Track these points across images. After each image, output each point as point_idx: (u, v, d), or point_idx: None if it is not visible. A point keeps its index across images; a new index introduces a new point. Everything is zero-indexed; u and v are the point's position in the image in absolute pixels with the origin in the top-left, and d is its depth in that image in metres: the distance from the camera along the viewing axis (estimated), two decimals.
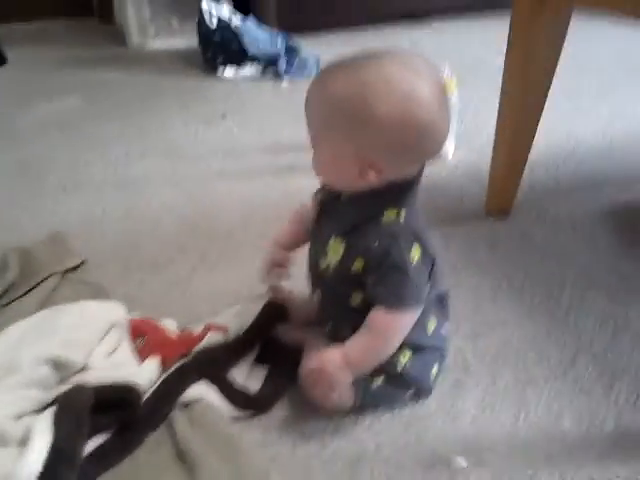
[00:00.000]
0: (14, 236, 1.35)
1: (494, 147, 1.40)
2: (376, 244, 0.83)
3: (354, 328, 0.88)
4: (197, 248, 1.33)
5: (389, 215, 0.84)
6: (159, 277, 1.24)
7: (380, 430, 0.90)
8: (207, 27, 2.25)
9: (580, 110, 2.03)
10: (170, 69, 2.43)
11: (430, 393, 0.95)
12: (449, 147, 1.71)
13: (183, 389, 0.93)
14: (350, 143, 0.80)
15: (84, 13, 3.01)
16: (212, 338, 1.00)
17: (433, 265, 0.86)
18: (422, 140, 0.80)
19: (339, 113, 0.78)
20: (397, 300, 0.84)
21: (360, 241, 0.84)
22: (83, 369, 0.94)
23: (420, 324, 0.89)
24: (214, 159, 1.73)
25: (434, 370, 0.94)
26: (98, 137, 1.88)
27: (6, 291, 1.17)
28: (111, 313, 1.04)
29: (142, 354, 0.99)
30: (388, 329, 0.86)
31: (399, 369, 0.90)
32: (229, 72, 2.28)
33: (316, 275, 0.94)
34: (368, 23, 2.80)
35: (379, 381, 0.90)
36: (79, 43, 2.75)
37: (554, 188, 1.57)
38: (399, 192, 0.84)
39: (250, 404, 0.94)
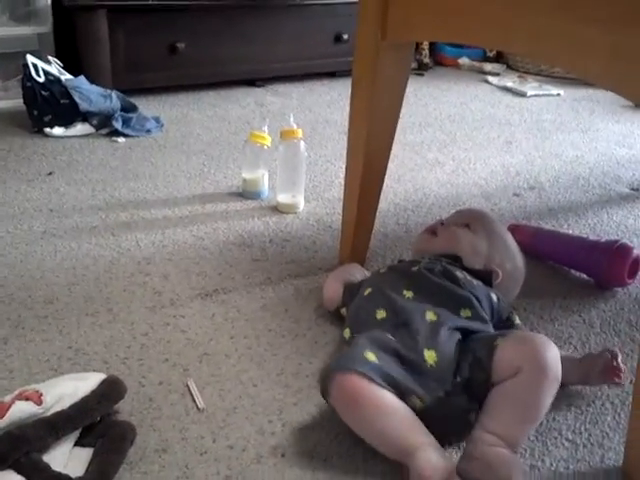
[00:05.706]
0: None
1: (344, 197, 1.34)
2: None
3: None
4: (10, 317, 1.14)
5: None
6: None
7: None
8: (34, 81, 2.04)
9: (427, 162, 2.05)
10: None
11: None
12: (299, 199, 1.64)
13: None
14: None
15: None
16: (20, 409, 0.81)
17: None
18: None
19: None
20: None
21: None
22: None
23: None
24: (37, 219, 1.53)
25: None
26: None
27: None
28: None
29: None
30: None
31: None
32: (58, 130, 2.07)
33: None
34: (210, 87, 2.73)
35: None
36: None
37: (406, 237, 1.53)
38: None
39: None
